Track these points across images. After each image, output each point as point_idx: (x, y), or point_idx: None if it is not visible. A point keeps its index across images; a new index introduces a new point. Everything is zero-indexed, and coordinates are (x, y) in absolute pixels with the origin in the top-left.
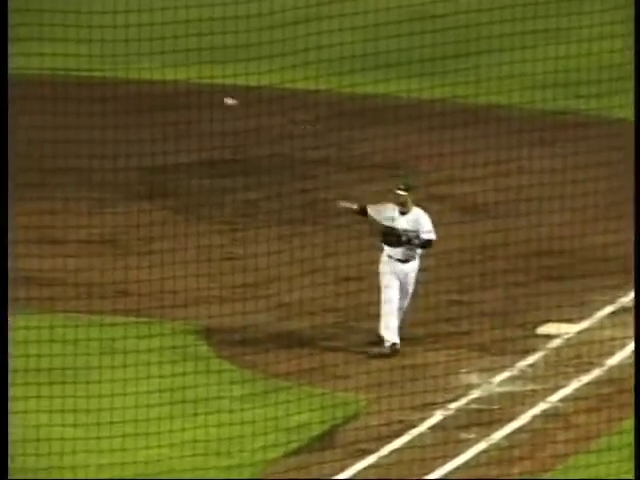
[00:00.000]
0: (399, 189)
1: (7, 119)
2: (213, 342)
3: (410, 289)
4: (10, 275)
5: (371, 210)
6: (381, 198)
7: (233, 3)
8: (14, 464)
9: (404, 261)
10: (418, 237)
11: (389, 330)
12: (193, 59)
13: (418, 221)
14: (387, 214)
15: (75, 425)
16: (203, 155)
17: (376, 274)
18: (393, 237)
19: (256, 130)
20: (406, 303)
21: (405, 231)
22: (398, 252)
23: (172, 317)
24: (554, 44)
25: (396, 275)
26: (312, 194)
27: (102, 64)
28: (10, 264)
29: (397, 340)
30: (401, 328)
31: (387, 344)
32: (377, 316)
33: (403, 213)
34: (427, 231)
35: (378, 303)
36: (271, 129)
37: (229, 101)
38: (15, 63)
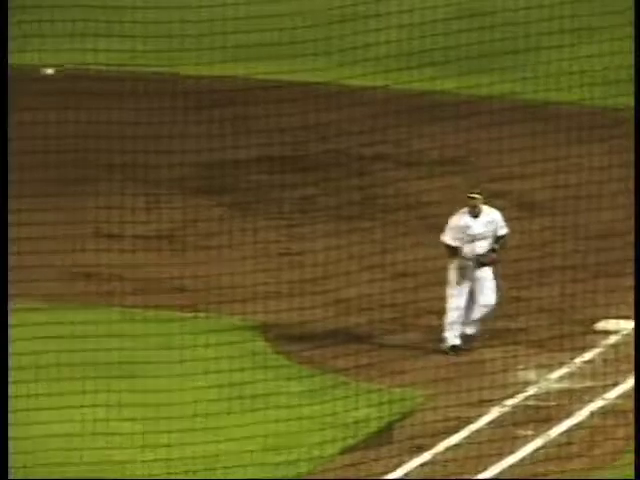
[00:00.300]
0: (474, 193)
1: (7, 119)
2: (270, 338)
3: (485, 286)
4: (69, 270)
5: (450, 240)
6: (441, 194)
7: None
8: (71, 458)
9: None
10: (497, 240)
11: (452, 329)
12: (251, 55)
13: (491, 221)
14: (461, 225)
15: (132, 420)
16: (261, 151)
17: (437, 270)
18: (488, 259)
19: (314, 127)
20: (481, 302)
21: (492, 251)
22: (472, 255)
23: (229, 313)
24: (612, 40)
25: (465, 272)
26: (370, 190)
27: (159, 60)
28: (69, 259)
29: (457, 342)
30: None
31: (447, 343)
32: (436, 313)
33: (475, 216)
34: (501, 227)
35: (438, 299)
36: (329, 126)
37: (48, 70)
38: (72, 58)
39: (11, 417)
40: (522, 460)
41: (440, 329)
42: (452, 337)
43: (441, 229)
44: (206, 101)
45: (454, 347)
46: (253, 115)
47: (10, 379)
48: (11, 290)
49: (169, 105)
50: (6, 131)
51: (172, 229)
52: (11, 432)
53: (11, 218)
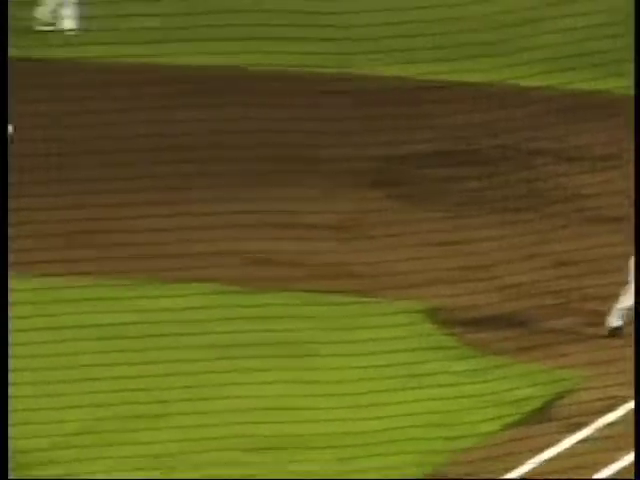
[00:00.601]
0: None
1: (7, 114)
2: (437, 321)
3: None
4: (249, 257)
5: None
6: (599, 187)
7: (462, 5)
8: (253, 431)
9: None
10: None
11: (618, 313)
12: (425, 57)
13: None
14: None
15: (306, 396)
16: (434, 146)
17: (598, 259)
18: None
19: (484, 124)
20: None
21: None
22: None
23: (398, 297)
24: None
25: None
26: (533, 184)
27: (338, 61)
28: (249, 246)
29: (619, 324)
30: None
31: (610, 326)
32: (600, 298)
33: None
34: None
35: (601, 286)
36: (498, 123)
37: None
38: (260, 60)
39: (209, 391)
40: None
41: (602, 314)
42: (616, 320)
43: (600, 221)
44: (382, 99)
45: (616, 329)
46: (426, 113)
47: (193, 357)
48: (197, 275)
49: (347, 102)
50: (6, 126)
51: (346, 219)
52: (208, 406)
53: (196, 207)
